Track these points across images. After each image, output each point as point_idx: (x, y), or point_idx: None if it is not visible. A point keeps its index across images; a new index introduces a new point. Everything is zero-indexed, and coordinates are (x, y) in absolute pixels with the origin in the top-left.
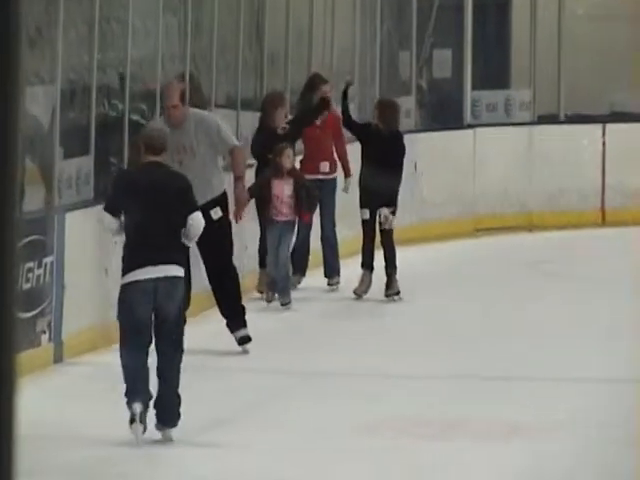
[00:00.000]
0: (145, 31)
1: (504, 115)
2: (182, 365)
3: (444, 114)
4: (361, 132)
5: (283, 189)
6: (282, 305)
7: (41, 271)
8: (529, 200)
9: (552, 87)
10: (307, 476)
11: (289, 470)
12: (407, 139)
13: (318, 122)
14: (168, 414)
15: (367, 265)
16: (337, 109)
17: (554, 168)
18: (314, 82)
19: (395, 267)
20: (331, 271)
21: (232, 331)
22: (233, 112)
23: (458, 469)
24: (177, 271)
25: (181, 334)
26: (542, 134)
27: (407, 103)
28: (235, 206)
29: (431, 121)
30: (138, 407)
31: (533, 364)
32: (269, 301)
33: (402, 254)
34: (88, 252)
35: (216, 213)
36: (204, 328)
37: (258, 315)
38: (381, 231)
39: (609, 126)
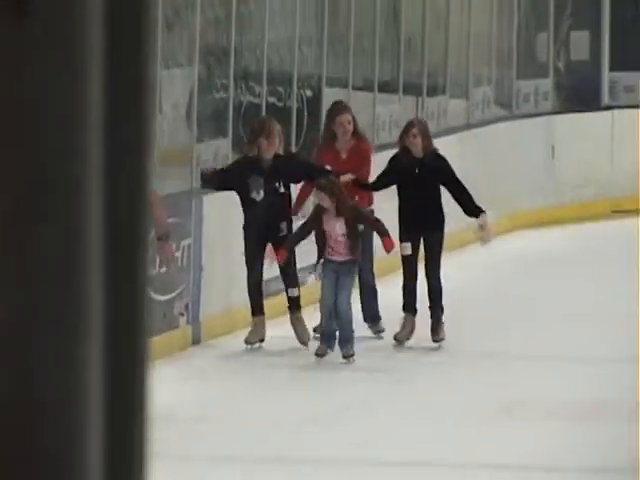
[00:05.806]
0: (282, 14)
1: None
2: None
3: (582, 96)
4: (390, 176)
5: (335, 227)
6: (344, 358)
7: (179, 254)
8: None
9: None
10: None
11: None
12: (544, 121)
13: (344, 156)
14: None
15: (410, 307)
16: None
17: None
18: (332, 112)
19: (442, 309)
20: (373, 317)
21: None
22: (370, 94)
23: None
24: None
25: None
26: None
27: (544, 85)
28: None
29: (569, 103)
30: None
31: None
32: (321, 355)
33: (539, 234)
34: (226, 235)
35: None
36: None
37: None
38: (426, 261)
39: None
